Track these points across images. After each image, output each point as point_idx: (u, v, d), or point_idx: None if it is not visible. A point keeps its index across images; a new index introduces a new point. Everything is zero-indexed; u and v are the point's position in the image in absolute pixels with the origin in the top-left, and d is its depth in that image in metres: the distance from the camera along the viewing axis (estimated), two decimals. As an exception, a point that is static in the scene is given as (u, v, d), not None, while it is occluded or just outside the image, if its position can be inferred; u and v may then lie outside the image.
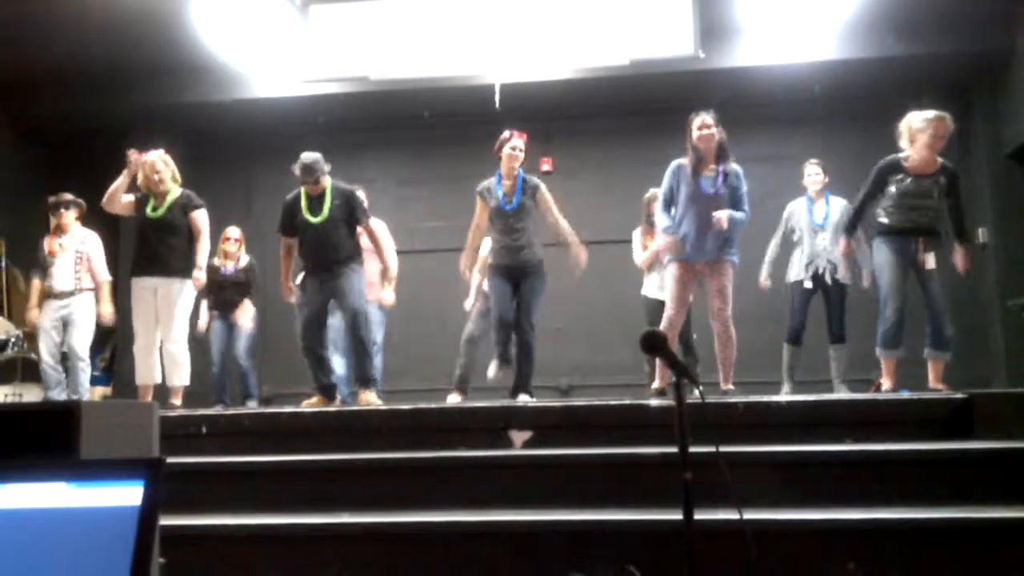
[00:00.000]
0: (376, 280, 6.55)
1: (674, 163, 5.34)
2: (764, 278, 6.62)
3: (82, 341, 6.41)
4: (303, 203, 5.78)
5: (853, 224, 5.83)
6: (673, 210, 5.33)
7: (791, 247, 6.58)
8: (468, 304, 6.67)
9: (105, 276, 6.60)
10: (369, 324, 5.89)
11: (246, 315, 7.38)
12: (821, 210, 6.46)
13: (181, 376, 5.91)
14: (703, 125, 5.20)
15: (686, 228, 5.22)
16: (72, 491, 1.35)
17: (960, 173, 5.56)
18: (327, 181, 5.80)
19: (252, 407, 7.41)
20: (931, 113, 5.43)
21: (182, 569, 2.06)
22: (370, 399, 5.64)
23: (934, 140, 5.37)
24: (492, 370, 5.71)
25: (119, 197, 5.95)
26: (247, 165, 9.75)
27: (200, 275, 5.93)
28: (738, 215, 5.17)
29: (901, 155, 5.51)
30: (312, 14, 7.96)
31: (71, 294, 6.43)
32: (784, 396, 5.70)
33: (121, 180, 5.93)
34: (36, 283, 6.60)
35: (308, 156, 5.75)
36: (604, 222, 8.64)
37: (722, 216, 5.07)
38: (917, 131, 5.41)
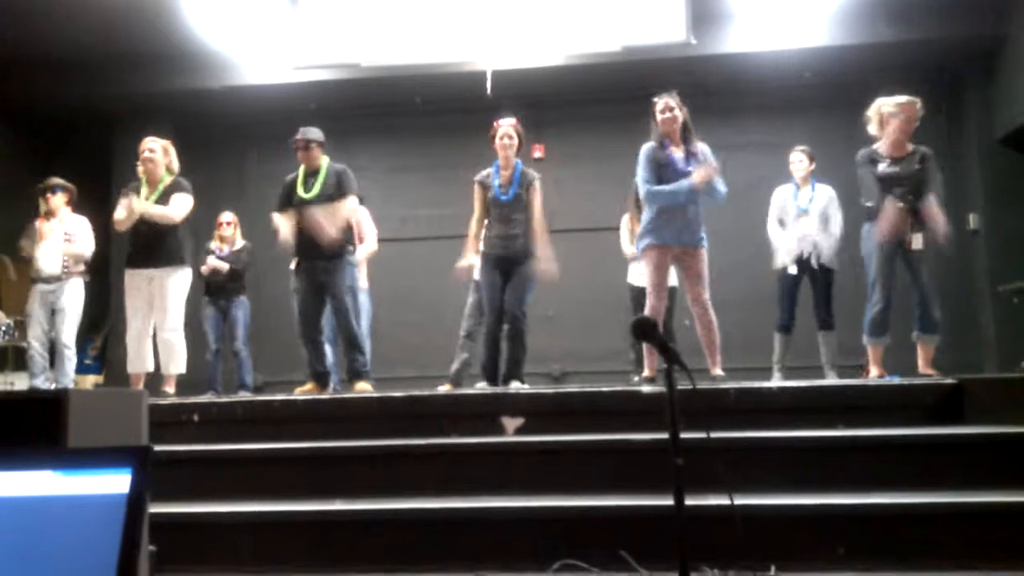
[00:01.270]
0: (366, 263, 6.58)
1: (644, 146, 5.33)
2: (783, 261, 6.52)
3: (69, 330, 6.34)
4: (299, 179, 5.80)
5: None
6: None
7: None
8: (463, 262, 6.56)
9: (88, 252, 6.49)
10: (358, 317, 5.88)
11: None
12: (806, 195, 6.45)
13: (177, 364, 5.90)
14: (665, 108, 5.24)
15: (660, 213, 5.21)
16: (59, 479, 1.35)
17: (932, 155, 5.57)
18: (324, 160, 5.80)
19: (245, 396, 7.42)
20: (902, 98, 5.52)
21: (172, 556, 2.06)
22: (364, 388, 5.64)
23: (907, 124, 5.47)
24: (482, 387, 5.70)
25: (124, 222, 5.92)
26: (238, 152, 9.72)
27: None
28: (719, 184, 5.18)
29: (874, 145, 5.57)
30: (302, 0, 7.92)
31: (59, 278, 6.37)
32: (775, 382, 5.72)
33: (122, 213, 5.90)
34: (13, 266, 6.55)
35: (306, 128, 5.84)
36: (596, 209, 8.65)
37: (709, 170, 5.07)
38: (889, 115, 5.50)
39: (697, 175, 5.07)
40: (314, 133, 5.82)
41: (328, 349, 6.38)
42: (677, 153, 5.23)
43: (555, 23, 7.74)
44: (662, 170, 5.25)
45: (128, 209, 5.85)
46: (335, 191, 5.73)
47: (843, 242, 6.29)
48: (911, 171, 5.47)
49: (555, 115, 9.11)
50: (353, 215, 5.97)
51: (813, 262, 6.30)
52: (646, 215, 5.33)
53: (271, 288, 7.66)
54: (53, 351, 6.45)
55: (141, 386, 5.90)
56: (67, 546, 1.30)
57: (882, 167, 5.49)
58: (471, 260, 5.99)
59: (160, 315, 5.87)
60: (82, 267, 6.48)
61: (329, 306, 5.84)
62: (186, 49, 8.24)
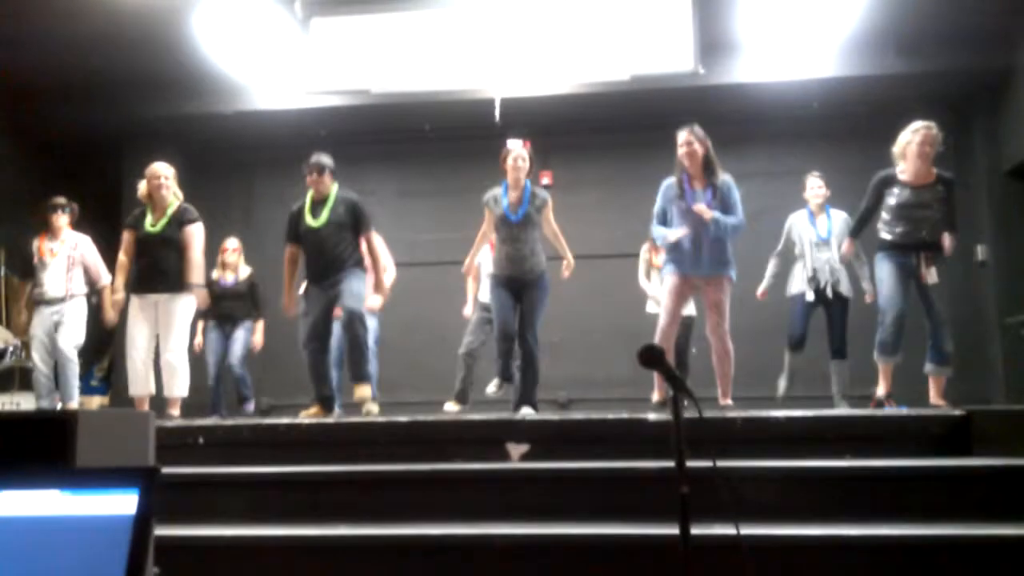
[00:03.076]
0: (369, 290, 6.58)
1: (665, 181, 5.40)
2: (762, 290, 6.61)
3: (70, 341, 6.30)
4: (307, 207, 5.81)
5: (857, 230, 5.85)
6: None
7: (791, 261, 6.58)
8: (467, 311, 6.70)
9: (106, 278, 6.46)
10: (365, 324, 5.88)
11: (258, 335, 7.43)
12: (824, 224, 6.46)
13: (180, 386, 5.87)
14: (684, 142, 5.27)
15: (683, 243, 5.23)
16: (67, 499, 1.35)
17: (955, 179, 5.59)
18: (333, 188, 5.82)
19: (250, 410, 7.44)
20: (917, 123, 5.50)
21: (177, 579, 2.06)
22: (365, 395, 5.63)
23: (922, 148, 5.40)
24: (492, 387, 5.72)
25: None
26: (247, 177, 9.77)
27: (201, 291, 5.97)
28: (730, 219, 5.18)
29: (897, 168, 5.55)
30: (313, 26, 7.98)
31: (62, 300, 6.36)
32: (782, 411, 5.69)
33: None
34: (27, 287, 6.60)
35: (319, 154, 5.89)
36: (603, 236, 8.67)
37: (704, 211, 5.09)
38: (906, 143, 5.48)
39: (700, 211, 5.12)
40: (327, 160, 5.85)
41: (333, 372, 6.39)
42: (696, 187, 5.25)
43: (564, 52, 7.78)
44: (675, 205, 5.30)
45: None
46: (345, 219, 5.75)
47: (853, 268, 6.31)
48: (927, 200, 5.42)
49: (563, 143, 9.15)
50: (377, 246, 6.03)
51: (829, 291, 6.30)
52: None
53: (277, 312, 7.64)
54: (57, 371, 6.43)
55: (146, 408, 5.89)
56: (73, 566, 1.30)
57: (898, 193, 5.46)
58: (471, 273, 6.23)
59: (164, 337, 5.86)
60: (84, 288, 6.48)
61: (338, 322, 5.85)
62: (197, 74, 8.31)
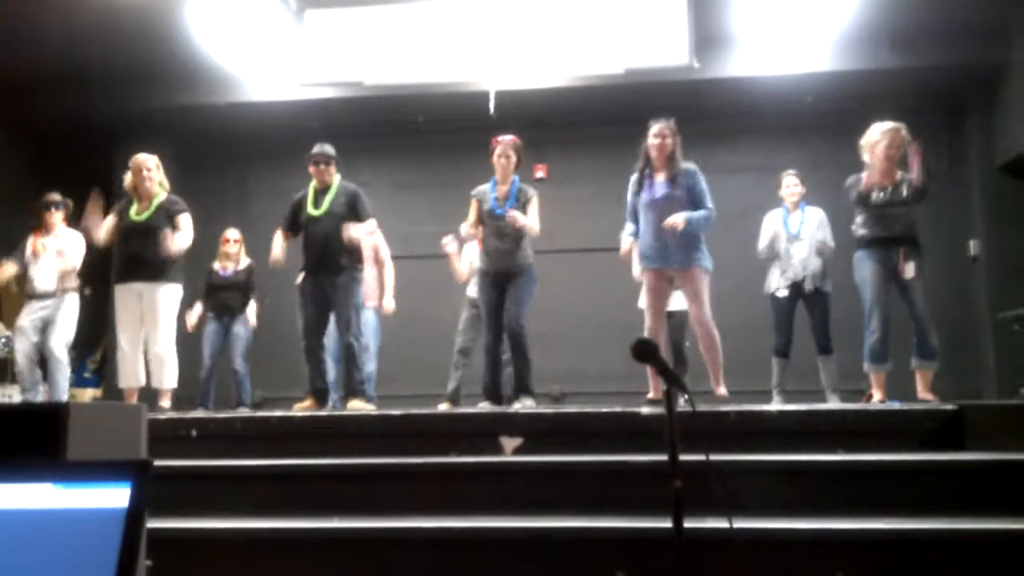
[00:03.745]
0: (375, 285, 6.58)
1: (632, 176, 5.41)
2: (777, 284, 6.54)
3: (60, 341, 6.27)
4: (309, 197, 5.85)
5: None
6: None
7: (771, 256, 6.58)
8: (463, 269, 6.61)
9: (73, 264, 6.40)
10: (360, 334, 5.89)
11: (251, 312, 7.38)
12: (797, 220, 6.47)
13: (169, 378, 5.86)
14: (658, 134, 5.27)
15: (647, 236, 5.25)
16: (58, 492, 1.34)
17: (907, 179, 5.55)
18: (336, 178, 5.84)
19: (243, 412, 7.40)
20: (887, 124, 5.54)
21: (169, 572, 2.05)
22: (358, 406, 5.64)
23: (889, 150, 5.46)
24: (484, 406, 5.70)
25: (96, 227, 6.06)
26: (241, 169, 9.74)
27: (168, 243, 5.84)
28: (697, 214, 5.16)
29: (862, 173, 5.59)
30: (307, 18, 7.95)
31: (52, 295, 6.33)
32: (775, 406, 5.71)
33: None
34: (10, 265, 6.49)
35: (323, 144, 5.96)
36: (596, 230, 8.66)
37: (675, 220, 5.07)
38: (874, 143, 5.53)
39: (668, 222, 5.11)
40: (331, 150, 5.90)
41: (331, 365, 6.39)
42: (658, 178, 5.26)
43: (559, 45, 7.77)
44: (641, 195, 5.33)
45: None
46: (345, 209, 5.77)
47: (839, 263, 6.29)
48: (900, 199, 5.46)
49: (557, 136, 9.13)
50: (372, 237, 6.00)
51: (807, 286, 6.31)
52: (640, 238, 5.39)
53: (271, 304, 7.64)
54: (44, 365, 6.39)
55: (135, 400, 5.88)
56: (65, 560, 1.30)
57: (870, 194, 5.49)
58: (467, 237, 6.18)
59: (151, 330, 5.84)
60: (75, 281, 6.45)
61: (333, 322, 5.87)
62: (190, 65, 8.26)
